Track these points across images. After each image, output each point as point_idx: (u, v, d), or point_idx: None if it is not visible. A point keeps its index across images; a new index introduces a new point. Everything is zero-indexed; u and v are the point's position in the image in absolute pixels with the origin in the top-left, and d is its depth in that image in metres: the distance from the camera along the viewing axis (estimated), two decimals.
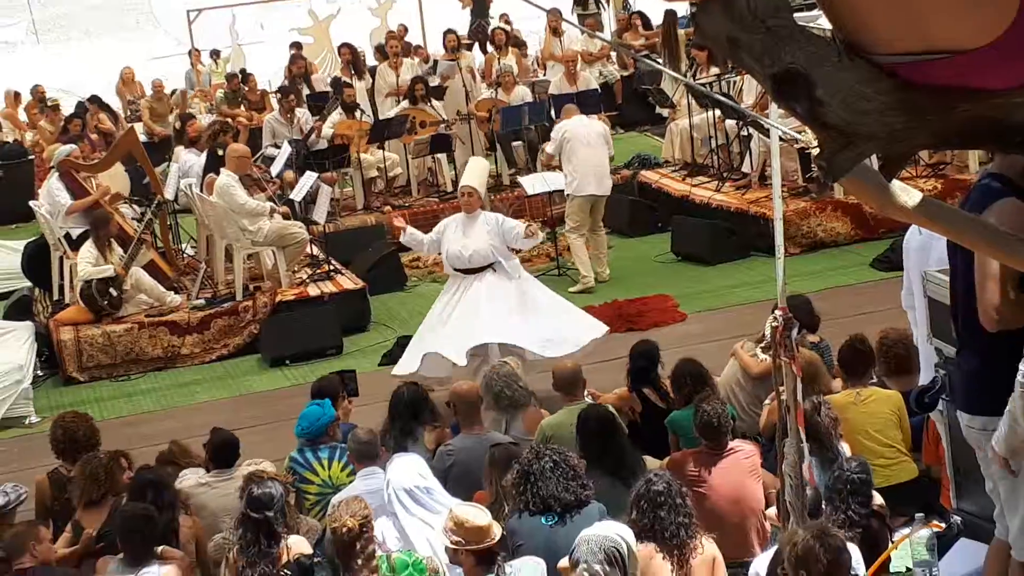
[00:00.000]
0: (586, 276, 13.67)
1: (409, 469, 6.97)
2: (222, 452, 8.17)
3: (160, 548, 6.99)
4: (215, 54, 23.85)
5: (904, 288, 7.26)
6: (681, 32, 19.86)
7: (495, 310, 10.25)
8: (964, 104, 2.81)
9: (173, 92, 21.82)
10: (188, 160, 15.00)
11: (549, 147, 13.97)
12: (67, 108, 21.78)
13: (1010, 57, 2.72)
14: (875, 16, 2.66)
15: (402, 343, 12.69)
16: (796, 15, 2.75)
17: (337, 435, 8.47)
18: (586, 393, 8.78)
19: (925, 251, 6.92)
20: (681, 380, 8.36)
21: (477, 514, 6.31)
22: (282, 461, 8.42)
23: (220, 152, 14.49)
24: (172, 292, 13.72)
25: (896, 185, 3.29)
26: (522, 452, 7.21)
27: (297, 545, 6.72)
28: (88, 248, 13.25)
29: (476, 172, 10.99)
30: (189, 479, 8.16)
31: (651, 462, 7.70)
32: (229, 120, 17.61)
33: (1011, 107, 2.85)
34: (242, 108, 20.46)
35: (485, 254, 10.39)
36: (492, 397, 8.63)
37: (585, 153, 13.64)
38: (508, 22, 22.37)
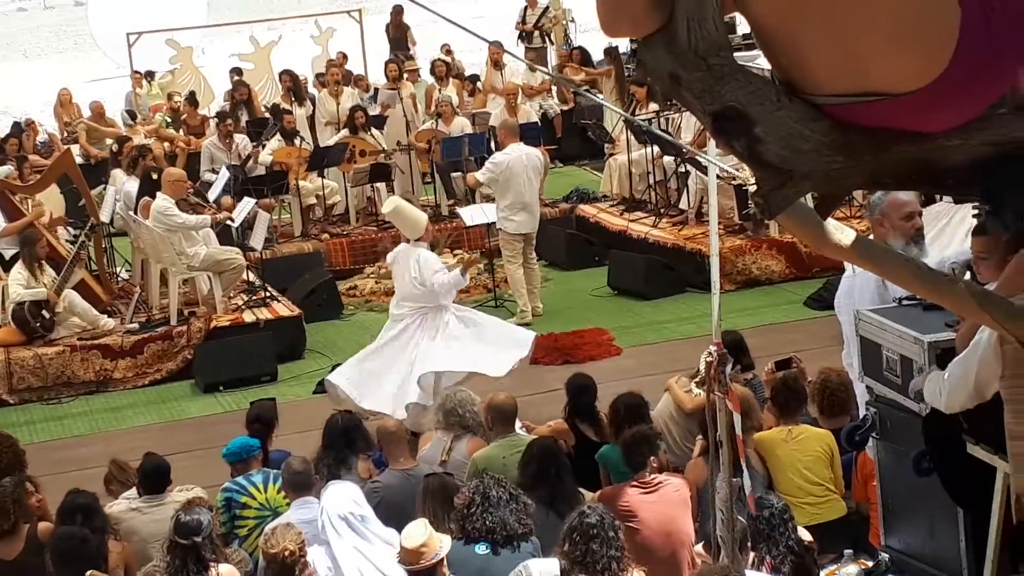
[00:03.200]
0: (524, 309, 13.69)
1: (344, 496, 6.95)
2: (153, 477, 8.11)
3: (89, 573, 6.92)
4: (149, 76, 23.61)
5: (844, 349, 7.23)
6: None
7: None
8: (899, 146, 2.87)
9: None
10: (129, 188, 14.87)
11: (481, 175, 13.88)
12: (3, 129, 21.54)
13: (943, 101, 2.78)
14: (814, 57, 2.71)
15: None
16: (736, 55, 2.80)
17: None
18: (519, 425, 8.78)
19: (850, 296, 6.96)
20: (618, 413, 8.36)
21: (409, 533, 6.32)
22: (214, 488, 8.37)
23: (155, 176, 14.40)
24: (105, 315, 13.61)
25: (831, 223, 3.34)
26: (455, 483, 7.22)
27: (229, 574, 6.68)
28: (19, 269, 13.12)
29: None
30: (119, 504, 8.09)
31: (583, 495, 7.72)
32: (148, 144, 17.43)
33: (945, 150, 2.91)
34: (181, 132, 20.35)
35: None
36: (443, 415, 8.65)
37: (521, 189, 13.58)
38: (449, 52, 22.39)
